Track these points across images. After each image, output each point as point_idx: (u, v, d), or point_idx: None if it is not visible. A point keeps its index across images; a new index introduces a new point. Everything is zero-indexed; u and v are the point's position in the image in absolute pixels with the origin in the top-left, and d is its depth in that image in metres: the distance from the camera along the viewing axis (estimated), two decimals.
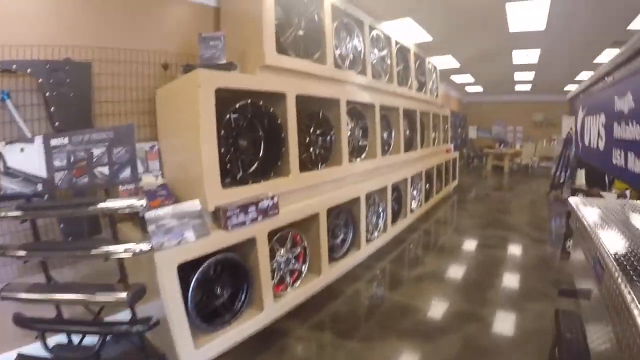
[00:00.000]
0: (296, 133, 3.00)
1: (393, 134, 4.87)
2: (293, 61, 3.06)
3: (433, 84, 6.85)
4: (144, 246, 1.89)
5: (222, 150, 2.44)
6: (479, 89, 11.81)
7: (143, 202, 1.89)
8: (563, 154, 7.32)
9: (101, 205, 1.90)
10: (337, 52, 3.83)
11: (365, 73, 4.10)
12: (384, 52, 4.69)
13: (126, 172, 2.05)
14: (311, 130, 3.38)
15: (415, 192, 5.51)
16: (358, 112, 4.09)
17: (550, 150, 12.73)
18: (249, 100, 2.64)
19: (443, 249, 4.38)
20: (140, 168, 2.66)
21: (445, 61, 7.15)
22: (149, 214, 1.98)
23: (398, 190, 4.93)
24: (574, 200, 1.74)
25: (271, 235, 2.67)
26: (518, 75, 9.07)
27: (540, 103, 13.28)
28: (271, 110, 2.83)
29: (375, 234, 4.27)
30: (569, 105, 7.90)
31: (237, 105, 2.61)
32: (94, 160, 2.04)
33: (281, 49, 2.99)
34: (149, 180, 2.77)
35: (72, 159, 2.05)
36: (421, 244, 4.66)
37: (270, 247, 2.65)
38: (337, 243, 3.69)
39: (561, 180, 7.27)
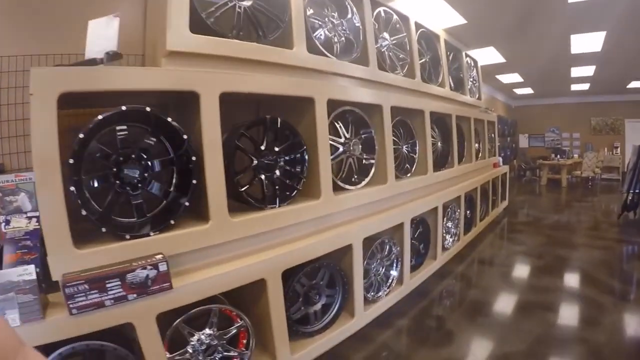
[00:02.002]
0: (220, 154, 1.75)
1: (417, 147, 3.43)
2: (221, 45, 1.84)
3: (474, 83, 5.27)
4: None
5: (89, 186, 1.51)
6: (528, 90, 9.74)
7: None
8: (637, 166, 5.43)
9: None
10: (320, 33, 2.54)
11: (366, 62, 2.75)
12: (399, 38, 3.30)
13: None
14: (263, 147, 2.08)
15: (450, 224, 3.97)
16: (356, 117, 2.73)
17: (614, 160, 10.36)
18: (124, 108, 1.50)
19: (481, 311, 2.79)
20: (27, 205, 1.58)
21: (486, 55, 5.51)
22: None
23: (424, 224, 3.43)
24: None
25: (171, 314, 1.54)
26: (575, 71, 7.09)
27: (600, 105, 10.81)
28: (169, 121, 1.61)
29: (383, 291, 2.82)
30: None
31: (102, 117, 1.44)
32: None
33: (204, 28, 1.82)
34: (20, 224, 1.66)
35: None
36: (451, 302, 3.09)
37: (173, 332, 1.60)
38: (313, 312, 2.33)
39: (635, 200, 5.36)
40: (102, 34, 1.86)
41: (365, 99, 2.65)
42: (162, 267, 1.49)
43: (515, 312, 2.75)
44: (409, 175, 3.27)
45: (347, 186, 2.58)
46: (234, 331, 1.86)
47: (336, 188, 2.49)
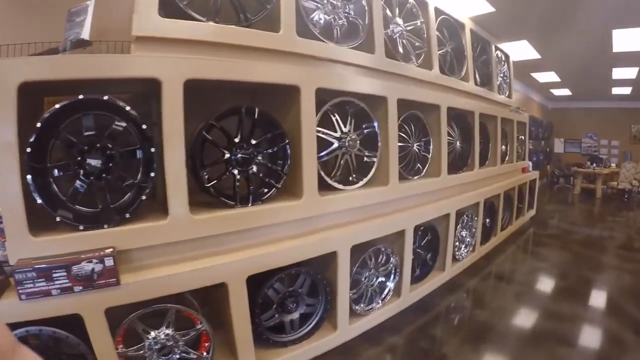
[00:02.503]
0: (181, 145, 1.59)
1: (431, 146, 3.06)
2: (194, 28, 1.67)
3: (504, 79, 4.78)
4: None
5: (50, 174, 1.46)
6: (566, 92, 8.85)
7: None
8: None
9: None
10: (318, 15, 2.24)
11: (372, 49, 2.42)
12: (415, 24, 2.93)
13: None
14: (237, 139, 1.86)
15: (465, 233, 3.57)
16: (357, 109, 2.42)
17: None
18: (81, 97, 1.43)
19: (485, 336, 2.38)
20: None
21: (519, 49, 4.95)
22: None
23: (432, 232, 3.07)
24: None
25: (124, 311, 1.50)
26: (617, 73, 6.28)
27: None
28: (127, 110, 1.51)
29: (376, 303, 2.53)
30: None
31: (58, 106, 1.40)
32: None
33: (176, 12, 1.69)
34: None
35: None
36: (454, 322, 2.70)
37: (125, 329, 1.54)
38: (290, 321, 2.10)
39: None
40: (77, 22, 1.83)
41: (367, 90, 2.34)
42: (108, 262, 1.42)
43: (524, 343, 2.34)
44: (418, 177, 2.92)
45: (340, 186, 2.29)
46: (193, 334, 1.70)
47: (327, 187, 2.23)
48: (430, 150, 3.07)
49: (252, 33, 1.86)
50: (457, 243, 3.45)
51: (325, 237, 2.08)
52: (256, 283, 1.88)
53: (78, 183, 1.48)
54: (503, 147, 4.67)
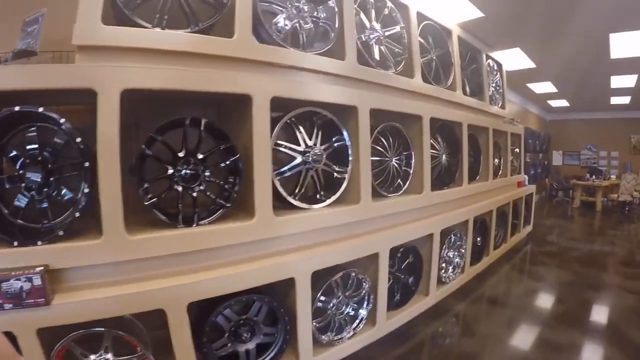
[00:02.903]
0: (116, 159, 1.45)
1: (413, 160, 2.82)
2: (137, 36, 1.55)
3: (497, 89, 4.55)
4: None
5: None
6: (563, 103, 8.60)
7: None
8: None
9: None
10: (279, 21, 2.04)
11: (342, 56, 2.20)
12: (396, 30, 2.72)
13: None
14: (182, 153, 1.66)
15: (452, 254, 3.29)
16: (325, 120, 2.21)
17: None
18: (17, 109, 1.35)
19: None
20: None
21: (513, 58, 4.73)
22: None
23: (414, 253, 2.80)
24: None
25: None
26: (615, 81, 6.04)
27: None
28: (62, 123, 1.41)
29: (346, 332, 2.25)
30: None
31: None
32: None
33: (122, 19, 1.61)
34: None
35: None
36: (435, 353, 2.41)
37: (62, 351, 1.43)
38: (245, 351, 1.87)
39: None
40: (29, 31, 1.77)
41: (335, 99, 2.11)
42: (36, 281, 1.34)
43: None
44: (397, 194, 2.67)
45: (303, 205, 2.04)
46: None
47: (290, 207, 1.99)
48: (412, 165, 2.83)
49: (200, 39, 1.69)
50: (443, 264, 3.18)
51: (280, 261, 1.84)
52: (206, 309, 1.71)
53: (20, 197, 1.43)
54: (496, 160, 4.42)
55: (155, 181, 1.64)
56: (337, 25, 2.20)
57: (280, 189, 1.95)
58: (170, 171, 1.64)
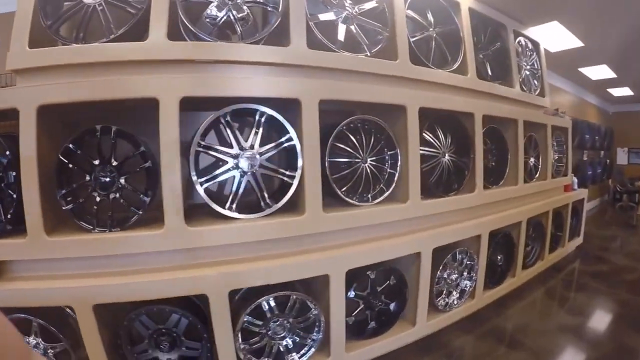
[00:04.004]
0: (34, 168, 1.53)
1: (399, 160, 2.27)
2: (55, 54, 1.60)
3: (533, 73, 3.73)
4: None
5: None
6: (626, 91, 6.95)
7: None
8: None
9: None
10: (213, 11, 1.75)
11: (287, 42, 1.77)
12: (372, 5, 2.18)
13: None
14: (97, 161, 1.64)
15: (455, 276, 2.65)
16: (268, 118, 1.79)
17: None
18: None
19: None
20: None
21: (552, 36, 3.83)
22: None
23: (395, 275, 2.25)
24: None
25: None
26: None
27: None
28: None
29: None
30: None
31: None
32: None
33: (49, 38, 1.67)
34: None
35: None
36: None
37: None
38: None
39: None
40: None
41: (275, 93, 1.74)
42: None
43: None
44: (372, 202, 2.15)
45: (234, 215, 1.71)
46: None
47: (217, 216, 1.67)
48: (399, 167, 2.28)
49: (111, 47, 1.63)
50: (443, 288, 2.58)
51: (189, 275, 1.64)
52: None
53: None
54: (532, 160, 3.63)
55: (71, 188, 1.65)
56: (280, 8, 1.77)
57: (207, 198, 1.69)
58: (87, 178, 1.64)
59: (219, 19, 1.77)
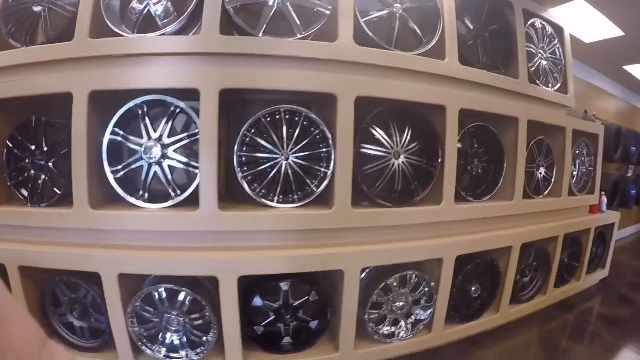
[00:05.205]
0: None
1: (333, 161, 1.85)
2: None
3: (555, 64, 3.04)
4: None
5: None
6: None
7: None
8: None
9: None
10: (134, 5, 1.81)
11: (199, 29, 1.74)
12: None
13: None
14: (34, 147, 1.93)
15: (403, 304, 2.14)
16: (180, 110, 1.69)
17: None
18: None
19: None
20: None
21: (584, 21, 3.10)
22: None
23: (317, 292, 1.87)
24: None
25: None
26: None
27: None
28: None
29: None
30: None
31: None
32: None
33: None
34: None
35: None
36: None
37: None
38: None
39: None
40: None
41: (172, 83, 1.73)
42: None
43: None
44: (296, 204, 1.79)
45: (143, 205, 1.81)
46: None
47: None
48: (331, 169, 1.87)
49: (41, 49, 1.82)
50: (386, 316, 2.11)
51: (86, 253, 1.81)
52: None
53: None
54: (541, 170, 2.97)
55: (15, 169, 1.90)
56: None
57: (114, 185, 1.80)
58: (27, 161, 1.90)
59: (139, 11, 1.83)
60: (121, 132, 1.79)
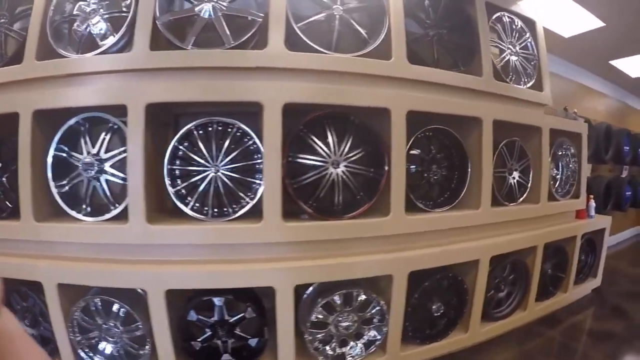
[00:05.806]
0: None
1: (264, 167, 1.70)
2: None
3: (528, 60, 2.84)
4: None
5: None
6: None
7: None
8: None
9: None
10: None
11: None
12: None
13: None
14: None
15: (350, 324, 1.94)
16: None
17: None
18: None
19: None
20: None
21: (555, 11, 2.91)
22: None
23: (254, 309, 1.73)
24: None
25: None
26: None
27: None
28: None
29: None
30: None
31: None
32: None
33: None
34: None
35: None
36: None
37: None
38: None
39: None
40: None
41: (102, 100, 1.80)
42: None
43: None
44: (227, 218, 1.65)
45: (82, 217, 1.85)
46: None
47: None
48: (262, 180, 1.74)
49: None
50: (331, 336, 1.94)
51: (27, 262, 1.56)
52: None
53: None
54: (514, 175, 2.75)
55: None
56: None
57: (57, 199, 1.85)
58: None
59: (81, 32, 1.89)
60: (65, 149, 1.85)
